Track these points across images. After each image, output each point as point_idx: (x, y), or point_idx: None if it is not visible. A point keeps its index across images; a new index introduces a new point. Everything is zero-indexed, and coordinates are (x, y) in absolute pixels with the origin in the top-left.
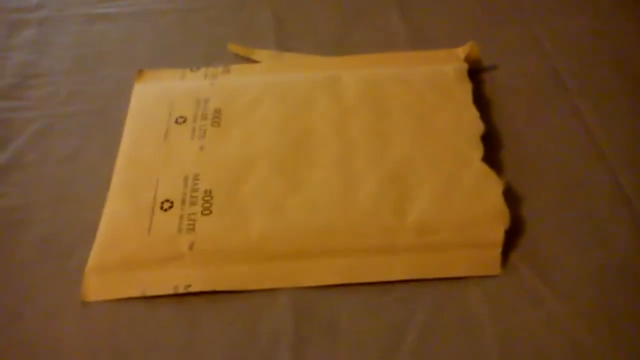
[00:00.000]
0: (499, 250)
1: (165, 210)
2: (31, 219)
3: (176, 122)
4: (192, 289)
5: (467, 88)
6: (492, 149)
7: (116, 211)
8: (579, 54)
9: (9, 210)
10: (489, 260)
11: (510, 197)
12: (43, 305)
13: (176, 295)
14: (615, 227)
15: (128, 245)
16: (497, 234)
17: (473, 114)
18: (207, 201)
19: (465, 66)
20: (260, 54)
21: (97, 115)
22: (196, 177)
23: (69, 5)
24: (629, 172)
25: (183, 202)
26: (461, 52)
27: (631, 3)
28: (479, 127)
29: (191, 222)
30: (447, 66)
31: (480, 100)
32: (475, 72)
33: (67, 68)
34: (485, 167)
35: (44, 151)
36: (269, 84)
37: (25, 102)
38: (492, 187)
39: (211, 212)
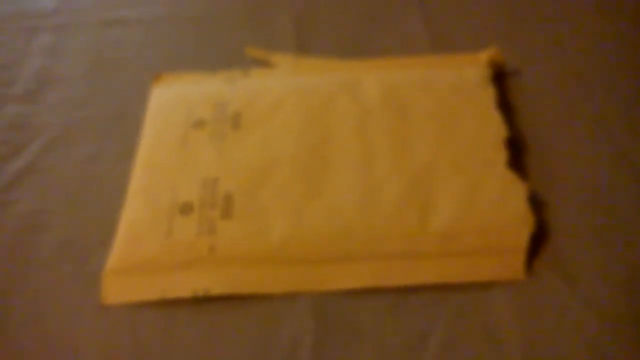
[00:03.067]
0: (523, 255)
1: (185, 213)
2: (49, 222)
3: (195, 125)
4: (211, 293)
5: (490, 93)
6: (517, 154)
7: (135, 214)
8: (603, 58)
9: (26, 214)
10: (513, 266)
11: (535, 202)
12: (62, 307)
13: (196, 299)
14: None
15: (147, 248)
16: (522, 239)
17: (496, 118)
18: (227, 205)
19: (488, 71)
20: (279, 58)
21: (114, 119)
22: (216, 181)
23: (85, 10)
24: None
25: (202, 205)
26: (484, 56)
27: None
28: (502, 131)
29: (211, 226)
30: (470, 71)
31: (504, 105)
32: (499, 77)
33: (83, 73)
34: (509, 172)
35: (61, 155)
36: (289, 88)
37: (41, 106)
38: (516, 192)
39: (231, 216)
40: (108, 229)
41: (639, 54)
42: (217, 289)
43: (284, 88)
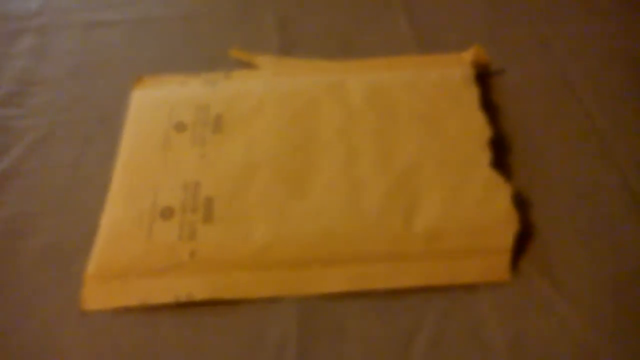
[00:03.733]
0: (509, 256)
1: (166, 217)
2: (31, 227)
3: (176, 128)
4: (194, 298)
5: (474, 92)
6: (501, 154)
7: (115, 218)
8: (588, 56)
9: (8, 219)
10: (498, 267)
11: (520, 202)
12: (44, 313)
13: (178, 305)
14: (628, 232)
15: (127, 253)
16: (507, 240)
17: (481, 118)
18: (208, 209)
19: (472, 70)
20: (262, 60)
21: (98, 122)
22: (197, 184)
23: (69, 12)
24: None
25: (183, 209)
26: (468, 56)
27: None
28: (487, 131)
29: (192, 230)
30: (454, 70)
31: (488, 105)
32: (483, 76)
33: (67, 75)
34: (493, 173)
35: (43, 159)
36: (271, 90)
37: (24, 109)
38: (501, 193)
39: (212, 220)
40: (92, 232)
41: (623, 53)
42: (199, 295)
43: (267, 90)
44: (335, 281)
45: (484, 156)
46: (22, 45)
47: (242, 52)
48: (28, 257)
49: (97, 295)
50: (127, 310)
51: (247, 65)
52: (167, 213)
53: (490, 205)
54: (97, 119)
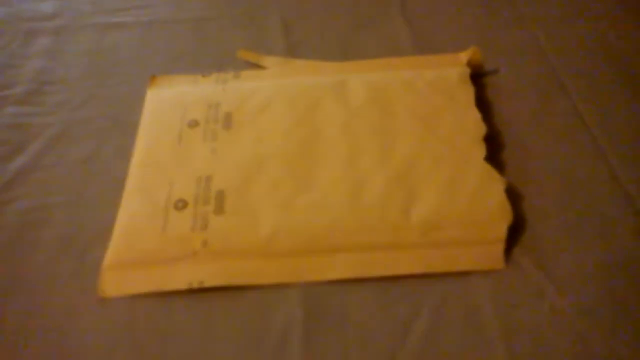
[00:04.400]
0: (503, 245)
1: (179, 209)
2: (49, 219)
3: (189, 125)
4: (205, 285)
5: (469, 91)
6: (495, 150)
7: (132, 211)
8: (579, 56)
9: (28, 211)
10: (492, 256)
11: (513, 195)
12: (62, 301)
13: (191, 291)
14: (617, 223)
15: (144, 243)
16: (500, 230)
17: (475, 116)
18: (219, 201)
19: (467, 70)
20: (268, 60)
21: (112, 119)
22: (209, 178)
23: (84, 15)
24: (629, 170)
25: (196, 202)
26: (464, 56)
27: (630, 6)
28: (481, 128)
29: (204, 221)
30: (450, 70)
31: (483, 103)
32: (478, 76)
33: (82, 75)
34: (487, 167)
35: (60, 154)
36: (277, 89)
37: (41, 107)
38: (494, 186)
39: (223, 211)
40: (106, 225)
41: (613, 53)
42: (211, 281)
43: (274, 89)
44: (338, 269)
45: (479, 151)
46: (39, 46)
47: (249, 53)
48: (46, 247)
49: (114, 283)
50: (142, 298)
51: (255, 66)
52: (181, 205)
53: (484, 197)
54: (111, 117)
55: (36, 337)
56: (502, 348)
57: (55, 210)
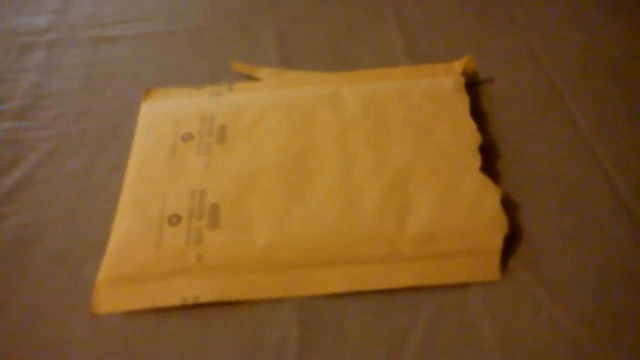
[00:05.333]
0: (498, 256)
1: (173, 224)
2: (43, 234)
3: (183, 139)
4: (200, 300)
5: (464, 100)
6: (490, 159)
7: (126, 226)
8: (573, 64)
9: (21, 227)
10: (488, 267)
11: (509, 205)
12: (55, 316)
13: (185, 307)
14: (613, 231)
15: (137, 259)
16: (496, 241)
17: (470, 125)
18: (213, 215)
19: (462, 79)
20: (263, 72)
21: (106, 133)
22: (203, 192)
23: (78, 28)
24: (624, 177)
25: (190, 216)
26: (458, 65)
27: (623, 14)
28: (476, 138)
29: (198, 236)
30: (445, 79)
31: (478, 112)
32: (473, 85)
33: (76, 88)
34: (483, 177)
35: (55, 169)
36: (271, 101)
37: (36, 122)
38: (490, 196)
39: (218, 226)
40: (101, 240)
41: (607, 60)
42: (205, 297)
43: (268, 101)
44: (334, 282)
45: (474, 161)
46: (33, 60)
47: (243, 65)
48: (39, 263)
49: (108, 300)
50: (136, 314)
51: (249, 78)
52: (174, 220)
53: (480, 208)
54: (106, 131)
55: (29, 353)
56: (498, 359)
57: (49, 225)
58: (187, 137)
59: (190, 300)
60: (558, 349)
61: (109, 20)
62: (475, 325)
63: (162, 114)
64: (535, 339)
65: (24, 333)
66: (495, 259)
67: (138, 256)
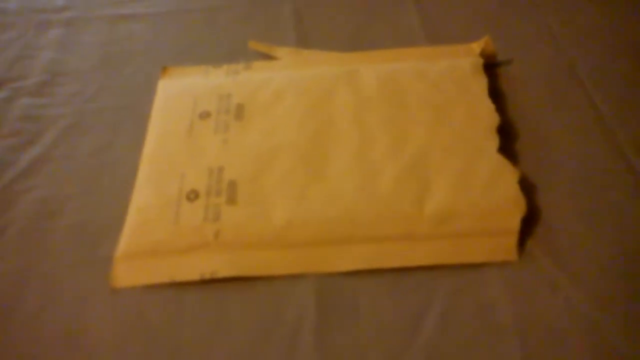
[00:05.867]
0: (516, 237)
1: (191, 200)
2: (61, 209)
3: (200, 116)
4: (217, 275)
5: (482, 81)
6: (508, 141)
7: (144, 202)
8: (593, 45)
9: (40, 201)
10: (506, 247)
11: (526, 186)
12: (74, 292)
13: (203, 282)
14: (631, 214)
15: (156, 234)
16: (514, 222)
17: (488, 106)
18: (231, 192)
19: (480, 60)
20: (280, 51)
21: (124, 110)
22: (220, 169)
23: (94, 6)
24: None
25: (208, 192)
26: (477, 46)
27: None
28: (494, 119)
29: (216, 212)
30: (463, 60)
31: (496, 93)
32: (491, 66)
33: (93, 66)
34: (501, 158)
35: (72, 145)
36: (289, 80)
37: (54, 99)
38: (507, 177)
39: (236, 202)
40: (119, 215)
41: (628, 42)
42: (223, 272)
43: (285, 80)
44: (351, 260)
45: (492, 142)
46: (50, 37)
47: (260, 44)
48: (58, 238)
49: (126, 274)
50: (154, 289)
51: (266, 57)
52: (192, 196)
53: (497, 189)
54: (123, 108)
55: (48, 328)
56: (515, 340)
57: (68, 201)
58: (204, 115)
59: (208, 276)
60: (575, 331)
61: None
62: (492, 306)
63: (179, 92)
64: (552, 320)
65: (43, 305)
66: (512, 240)
67: (156, 232)
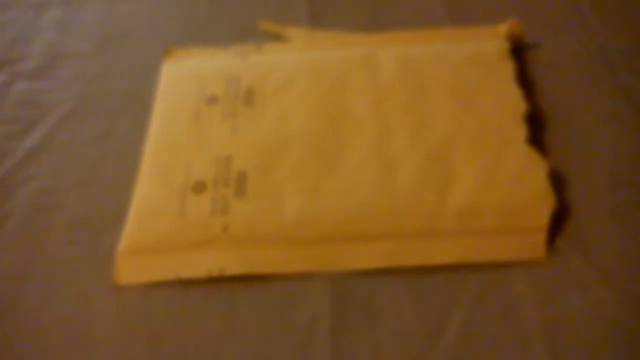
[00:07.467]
0: (544, 234)
1: (198, 192)
2: (61, 201)
3: (207, 102)
4: (226, 273)
5: (509, 66)
6: (537, 130)
7: (148, 193)
8: (626, 30)
9: (39, 193)
10: (533, 245)
11: (556, 180)
12: (75, 287)
13: (210, 280)
14: None
15: (160, 228)
16: (542, 218)
17: (516, 93)
18: (240, 183)
19: (507, 44)
20: (293, 32)
21: (126, 95)
22: (229, 159)
23: None
24: None
25: (216, 183)
26: (503, 29)
27: None
28: (522, 107)
29: (224, 205)
30: (489, 44)
31: (524, 79)
32: (518, 50)
33: (94, 48)
34: (529, 149)
35: (73, 132)
36: (302, 63)
37: (53, 82)
38: (536, 170)
39: (245, 195)
40: (121, 207)
41: None
42: (232, 269)
43: (298, 63)
44: (368, 257)
45: (520, 132)
46: (49, 18)
47: (272, 24)
48: (58, 232)
49: (129, 270)
50: (160, 285)
51: (278, 38)
52: (199, 187)
53: (525, 182)
54: (125, 92)
55: (49, 325)
56: (542, 343)
57: (68, 192)
58: (212, 100)
59: (215, 273)
60: (606, 333)
61: None
62: (518, 307)
63: (184, 76)
64: (582, 322)
65: (43, 302)
66: (541, 237)
67: (161, 225)
